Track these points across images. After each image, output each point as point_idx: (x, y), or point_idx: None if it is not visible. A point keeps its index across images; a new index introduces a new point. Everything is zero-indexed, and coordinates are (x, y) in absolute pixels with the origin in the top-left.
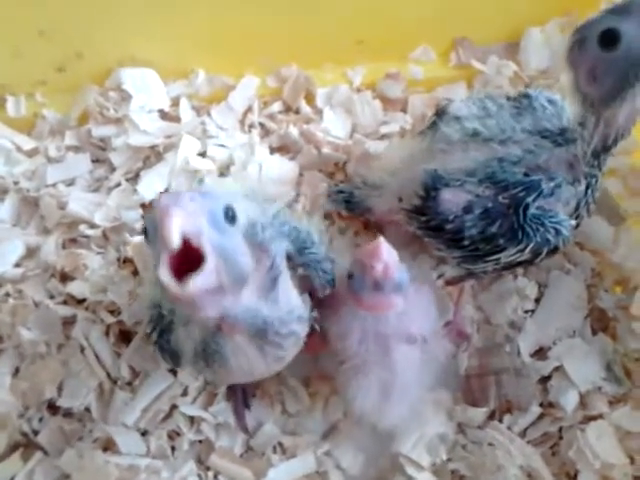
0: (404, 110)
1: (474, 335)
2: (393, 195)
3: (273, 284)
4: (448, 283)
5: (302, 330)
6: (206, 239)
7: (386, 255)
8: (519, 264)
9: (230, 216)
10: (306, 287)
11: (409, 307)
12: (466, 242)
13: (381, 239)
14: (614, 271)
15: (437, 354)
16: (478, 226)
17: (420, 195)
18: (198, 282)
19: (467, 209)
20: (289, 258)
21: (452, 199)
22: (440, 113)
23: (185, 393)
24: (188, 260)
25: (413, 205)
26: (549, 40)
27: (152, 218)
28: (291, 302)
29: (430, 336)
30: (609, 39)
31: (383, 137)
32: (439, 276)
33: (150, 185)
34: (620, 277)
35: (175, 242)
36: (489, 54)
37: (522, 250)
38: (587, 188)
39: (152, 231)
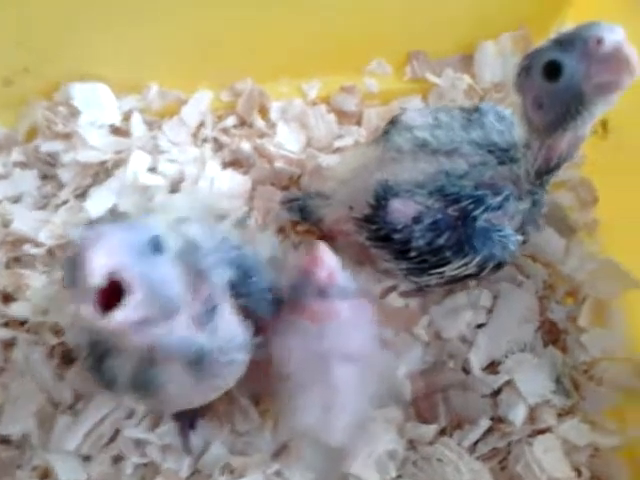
0: (359, 123)
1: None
2: (343, 204)
3: (212, 313)
4: (404, 295)
5: (242, 358)
6: (130, 272)
7: (328, 260)
8: (464, 278)
9: (157, 246)
10: (248, 314)
11: (347, 324)
12: (413, 253)
13: (321, 245)
14: (565, 283)
15: (379, 370)
16: (426, 237)
17: (371, 204)
18: (122, 315)
19: (416, 219)
20: (232, 286)
21: (402, 209)
22: (393, 122)
23: (130, 415)
24: (114, 292)
25: (363, 214)
26: (502, 53)
27: (71, 259)
28: (231, 331)
29: (370, 352)
30: (552, 71)
31: (337, 151)
32: (393, 288)
33: (98, 202)
34: (571, 289)
35: (97, 280)
36: (444, 67)
37: (467, 264)
38: (533, 205)
39: (70, 271)
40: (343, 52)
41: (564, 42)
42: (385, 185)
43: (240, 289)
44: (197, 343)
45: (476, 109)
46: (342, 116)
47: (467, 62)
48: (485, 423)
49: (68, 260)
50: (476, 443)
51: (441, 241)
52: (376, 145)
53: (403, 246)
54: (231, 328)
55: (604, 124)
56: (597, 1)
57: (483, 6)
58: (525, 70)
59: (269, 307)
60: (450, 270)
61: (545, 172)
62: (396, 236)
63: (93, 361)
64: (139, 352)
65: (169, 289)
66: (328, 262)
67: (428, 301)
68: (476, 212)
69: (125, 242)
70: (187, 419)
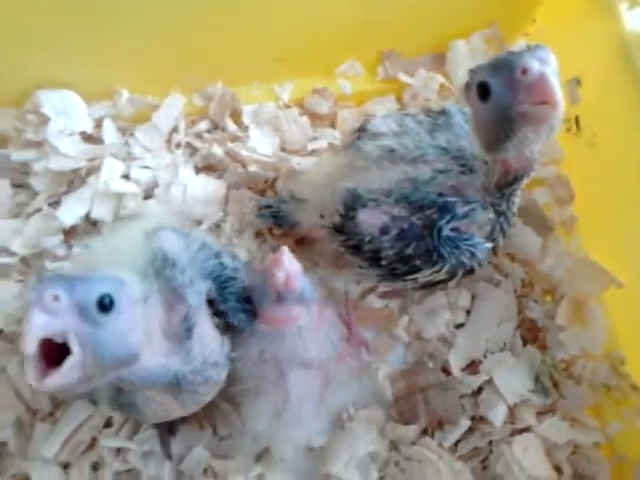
0: (333, 125)
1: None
2: (316, 211)
3: (187, 335)
4: (382, 297)
5: (218, 374)
6: (72, 337)
7: (288, 264)
8: (437, 283)
9: (106, 305)
10: (225, 327)
11: (306, 331)
12: (384, 262)
13: (284, 249)
14: (543, 281)
15: (343, 374)
16: (395, 247)
17: (340, 213)
18: (57, 378)
19: (383, 230)
20: (210, 301)
21: (369, 220)
22: (361, 129)
23: (109, 423)
24: (59, 349)
25: (333, 223)
26: (474, 52)
27: None
28: (206, 350)
29: (330, 359)
30: (483, 92)
31: (312, 153)
32: (371, 290)
33: (71, 210)
34: (549, 286)
35: (30, 348)
36: (416, 66)
37: (438, 271)
38: (498, 216)
39: None
40: (315, 54)
41: (495, 65)
42: (354, 194)
43: (217, 300)
44: (171, 371)
45: (442, 111)
46: (316, 118)
47: (439, 61)
48: (465, 423)
49: None
50: (457, 443)
51: (409, 251)
52: (345, 153)
53: (374, 255)
54: (206, 347)
55: (577, 120)
56: (566, 0)
57: (454, 5)
58: (467, 86)
59: (246, 317)
60: (422, 277)
61: (504, 186)
62: (365, 247)
63: None
64: (114, 382)
65: (120, 346)
66: (287, 266)
67: (408, 302)
68: (441, 222)
69: (69, 305)
70: (166, 426)
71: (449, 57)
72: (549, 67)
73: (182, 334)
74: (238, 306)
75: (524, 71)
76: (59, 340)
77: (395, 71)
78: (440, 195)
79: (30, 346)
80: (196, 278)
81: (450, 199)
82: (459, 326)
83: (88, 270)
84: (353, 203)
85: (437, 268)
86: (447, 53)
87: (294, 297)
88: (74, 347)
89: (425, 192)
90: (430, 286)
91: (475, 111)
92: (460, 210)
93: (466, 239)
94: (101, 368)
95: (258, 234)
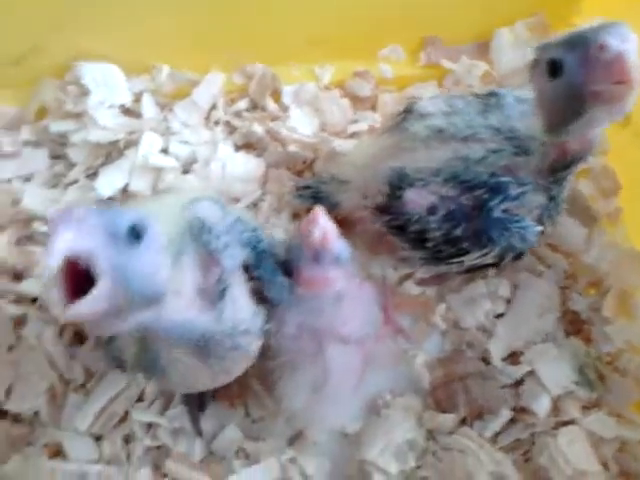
0: (374, 109)
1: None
2: (359, 192)
3: (220, 296)
4: (420, 284)
5: (249, 344)
6: (100, 260)
7: (324, 223)
8: (484, 267)
9: (137, 232)
10: (261, 298)
11: (347, 306)
12: (430, 244)
13: (319, 208)
14: (587, 273)
15: (381, 357)
16: (442, 228)
17: (385, 193)
18: (84, 306)
19: (431, 210)
20: (246, 268)
21: (416, 200)
22: (407, 110)
23: (141, 397)
24: (87, 280)
25: (377, 203)
26: (518, 40)
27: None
28: (238, 316)
29: (369, 338)
30: (554, 68)
31: (352, 135)
32: (409, 276)
33: (109, 182)
34: (594, 279)
35: (55, 260)
36: (459, 54)
37: (486, 254)
38: (549, 200)
39: None
40: (357, 37)
41: (570, 41)
42: (400, 173)
43: (254, 270)
44: (201, 327)
45: (492, 93)
46: (356, 101)
47: (482, 49)
48: (506, 414)
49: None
50: (498, 434)
51: (458, 232)
52: (390, 134)
53: (419, 236)
54: (238, 313)
55: None
56: None
57: None
58: (534, 63)
59: (282, 290)
60: (469, 260)
61: (559, 169)
62: (411, 227)
63: (102, 341)
64: (139, 334)
65: (148, 279)
66: (323, 224)
67: (445, 289)
68: (492, 202)
69: (99, 226)
70: (196, 401)
71: (493, 45)
72: (629, 44)
73: (216, 294)
74: (274, 278)
75: (601, 48)
76: (85, 265)
77: (437, 57)
78: (492, 175)
79: (54, 261)
80: (232, 245)
81: (503, 179)
82: (499, 316)
83: None
84: (399, 182)
85: (485, 251)
86: (490, 41)
87: (330, 257)
88: (101, 272)
89: (476, 172)
90: (475, 270)
91: (541, 90)
92: (513, 191)
93: (517, 221)
94: (127, 301)
95: (295, 215)
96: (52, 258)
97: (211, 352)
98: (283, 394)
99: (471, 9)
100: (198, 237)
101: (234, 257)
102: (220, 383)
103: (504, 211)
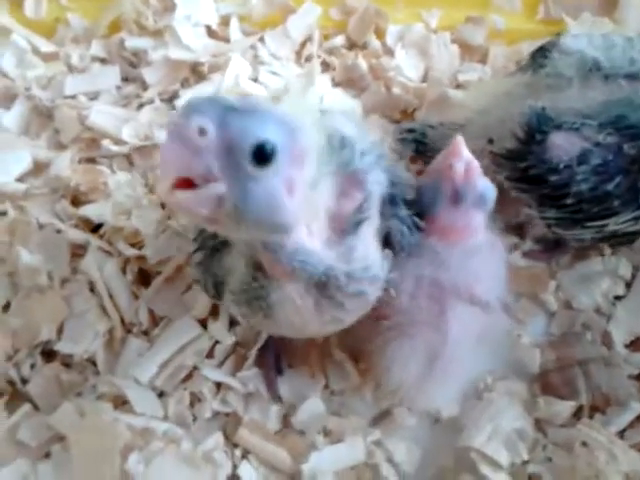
0: (483, 61)
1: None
2: (479, 136)
3: (355, 228)
4: (528, 256)
5: (373, 292)
6: (215, 181)
7: (467, 154)
8: (626, 236)
9: (265, 155)
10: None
11: (478, 262)
12: (570, 200)
13: (460, 138)
14: None
15: (500, 328)
16: (590, 181)
17: (519, 137)
18: (189, 197)
19: (581, 159)
20: (383, 202)
21: (564, 145)
22: (547, 47)
23: (211, 354)
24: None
25: (507, 149)
26: None
27: None
28: (369, 256)
29: (495, 304)
30: None
31: (460, 86)
32: (516, 246)
33: None
34: None
35: (163, 190)
36: (581, 10)
37: (637, 218)
38: None
39: None
40: None
41: None
42: (542, 114)
43: (388, 209)
44: (326, 262)
45: None
46: (466, 50)
47: (608, 6)
48: (636, 406)
49: None
50: (624, 430)
51: (609, 187)
52: (523, 73)
53: (558, 190)
54: (369, 253)
55: None
56: None
57: None
58: None
59: (414, 236)
60: (614, 224)
61: None
62: (552, 178)
63: (203, 256)
64: (253, 261)
65: (269, 208)
66: (467, 156)
67: (555, 264)
68: None
69: (216, 145)
70: (272, 363)
71: (621, 1)
72: None
73: (350, 226)
74: (407, 216)
75: None
76: (198, 182)
77: (558, 12)
78: None
79: (163, 187)
80: (376, 167)
81: None
82: (617, 298)
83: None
84: (541, 125)
85: (639, 213)
86: None
87: (474, 197)
88: (215, 190)
89: None
90: (614, 238)
91: None
92: None
93: None
94: (238, 224)
95: None
96: (161, 187)
97: (329, 294)
98: (389, 365)
99: None
100: (339, 152)
101: (380, 183)
102: (327, 333)
103: None
